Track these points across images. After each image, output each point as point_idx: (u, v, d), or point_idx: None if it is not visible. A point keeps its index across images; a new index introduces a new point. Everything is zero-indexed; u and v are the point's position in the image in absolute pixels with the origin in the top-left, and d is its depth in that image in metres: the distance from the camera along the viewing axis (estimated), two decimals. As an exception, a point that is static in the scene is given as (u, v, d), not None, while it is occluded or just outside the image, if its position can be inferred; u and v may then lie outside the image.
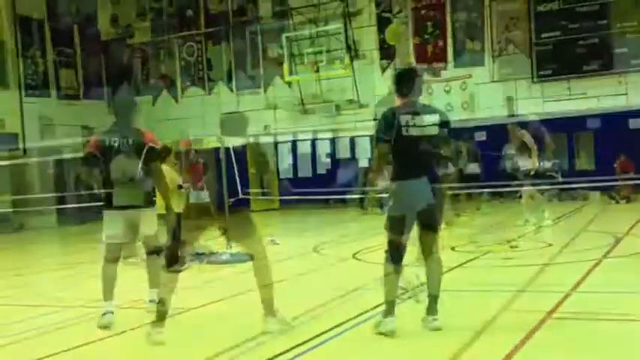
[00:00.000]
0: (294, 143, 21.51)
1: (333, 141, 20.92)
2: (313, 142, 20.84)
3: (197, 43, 22.87)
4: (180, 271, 9.04)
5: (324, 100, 20.49)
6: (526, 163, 11.56)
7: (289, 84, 21.12)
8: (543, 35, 18.30)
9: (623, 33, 17.39)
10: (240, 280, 8.11)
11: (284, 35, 20.63)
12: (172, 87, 23.33)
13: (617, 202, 15.90)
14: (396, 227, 5.01)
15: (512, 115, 18.13)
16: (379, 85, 20.16)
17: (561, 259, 8.63)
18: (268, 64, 21.71)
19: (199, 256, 10.09)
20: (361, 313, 5.78)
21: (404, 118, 5.01)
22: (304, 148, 21.50)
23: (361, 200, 18.20)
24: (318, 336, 4.99)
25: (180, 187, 9.42)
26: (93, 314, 6.35)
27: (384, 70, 20.29)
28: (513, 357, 4.36)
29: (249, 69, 22.00)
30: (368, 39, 20.41)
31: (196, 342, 5.48)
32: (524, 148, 11.69)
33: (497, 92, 18.71)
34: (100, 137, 6.02)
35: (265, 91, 21.79)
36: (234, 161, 12.67)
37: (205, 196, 17.80)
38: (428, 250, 5.06)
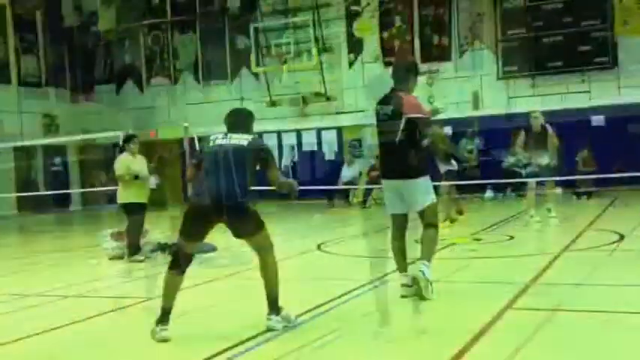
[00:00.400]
0: (260, 135, 21.37)
1: (299, 133, 20.86)
2: (279, 134, 20.76)
3: (163, 31, 22.58)
4: (140, 261, 9.01)
5: (291, 92, 20.41)
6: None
7: (256, 75, 20.99)
8: (509, 32, 18.49)
9: (587, 31, 17.65)
10: (202, 272, 8.05)
11: (252, 26, 20.48)
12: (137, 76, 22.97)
13: (579, 198, 16.16)
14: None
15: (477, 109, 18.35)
16: (347, 78, 20.16)
17: (522, 252, 8.74)
18: (235, 55, 21.53)
19: (162, 246, 10.00)
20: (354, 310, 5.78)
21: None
22: (271, 140, 21.40)
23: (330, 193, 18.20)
24: (320, 338, 4.91)
25: (136, 177, 9.19)
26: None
27: (351, 63, 20.29)
28: (472, 347, 4.39)
29: (216, 59, 21.78)
30: (336, 32, 20.38)
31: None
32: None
33: (463, 88, 18.86)
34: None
35: (232, 81, 21.62)
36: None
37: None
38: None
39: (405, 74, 6.12)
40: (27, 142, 18.24)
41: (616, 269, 7.13)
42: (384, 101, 5.99)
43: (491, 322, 4.95)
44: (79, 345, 5.08)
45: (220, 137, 5.13)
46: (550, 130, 11.02)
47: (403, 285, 5.86)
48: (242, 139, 5.07)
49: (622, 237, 9.10)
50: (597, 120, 17.44)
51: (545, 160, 10.97)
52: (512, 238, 9.91)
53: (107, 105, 22.99)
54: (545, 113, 14.32)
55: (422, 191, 5.83)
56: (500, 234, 10.30)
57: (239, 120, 5.34)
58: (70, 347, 5.04)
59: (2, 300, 6.86)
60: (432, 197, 5.89)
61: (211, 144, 5.12)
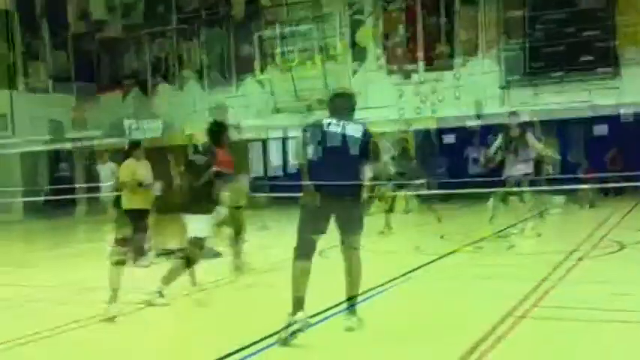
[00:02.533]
0: (264, 142, 21.51)
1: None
2: (283, 141, 20.87)
3: (168, 38, 22.73)
4: (145, 267, 9.09)
5: (295, 99, 20.55)
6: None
7: (261, 82, 21.12)
8: (511, 41, 18.60)
9: (591, 42, 17.74)
10: (205, 276, 8.12)
11: (256, 34, 20.62)
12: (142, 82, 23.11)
13: (582, 207, 16.19)
14: None
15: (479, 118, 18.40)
16: (350, 85, 20.26)
17: (525, 260, 8.79)
18: (240, 62, 21.67)
19: (167, 251, 10.08)
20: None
21: None
22: (275, 147, 21.54)
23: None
24: (328, 338, 4.99)
25: (140, 184, 9.24)
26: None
27: (354, 71, 20.41)
28: (483, 343, 4.46)
29: (221, 66, 21.92)
30: (339, 40, 20.50)
31: (155, 338, 5.49)
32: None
33: (466, 96, 18.95)
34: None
35: (237, 89, 21.75)
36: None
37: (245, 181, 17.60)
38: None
39: None
40: (33, 148, 18.35)
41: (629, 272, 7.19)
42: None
43: (493, 328, 5.02)
44: (82, 351, 5.16)
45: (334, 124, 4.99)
46: (529, 135, 10.57)
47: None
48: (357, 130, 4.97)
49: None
50: (599, 129, 17.51)
51: (521, 170, 10.46)
52: (512, 246, 9.95)
53: (113, 111, 23.12)
54: (547, 123, 14.40)
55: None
56: (501, 242, 10.34)
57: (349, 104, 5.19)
58: (71, 355, 5.12)
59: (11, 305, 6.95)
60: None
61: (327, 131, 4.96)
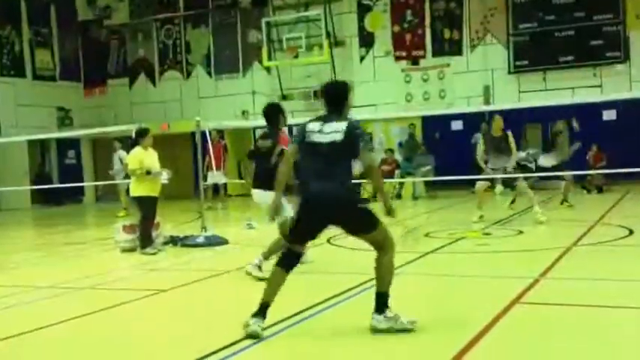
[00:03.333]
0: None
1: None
2: (290, 128, 20.79)
3: (176, 25, 22.67)
4: (152, 254, 9.13)
5: (303, 86, 20.50)
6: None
7: (268, 69, 21.06)
8: (520, 26, 18.43)
9: (599, 25, 17.56)
10: (214, 263, 8.15)
11: (263, 20, 20.53)
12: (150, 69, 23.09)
13: (589, 192, 16.15)
14: None
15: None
16: (357, 72, 20.19)
17: (531, 247, 8.78)
18: (247, 49, 21.61)
19: (174, 238, 10.13)
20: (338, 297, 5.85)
21: None
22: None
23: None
24: (329, 331, 5.00)
25: (148, 172, 9.26)
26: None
27: (362, 57, 20.31)
28: (480, 341, 4.45)
29: (228, 53, 21.86)
30: (347, 26, 20.41)
31: (165, 323, 5.51)
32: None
33: (474, 82, 18.84)
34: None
35: (244, 75, 21.70)
36: (210, 144, 12.74)
37: (220, 178, 17.75)
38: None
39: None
40: (41, 136, 18.38)
41: (624, 264, 7.16)
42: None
43: (498, 316, 5.01)
44: (90, 336, 5.18)
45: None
46: (510, 134, 11.13)
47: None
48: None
49: (631, 232, 9.12)
50: (608, 114, 17.40)
51: (509, 164, 11.09)
52: (521, 232, 9.95)
53: (120, 99, 23.16)
54: (556, 107, 14.45)
55: None
56: (510, 228, 10.34)
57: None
58: (82, 339, 5.13)
59: (16, 292, 6.99)
60: None
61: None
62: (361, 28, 20.24)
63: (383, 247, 4.76)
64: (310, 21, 20.30)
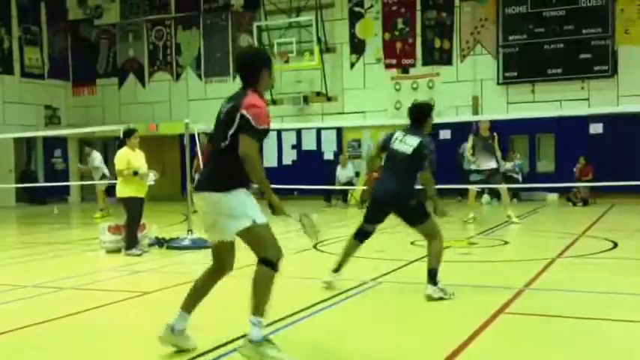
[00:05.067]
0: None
1: (299, 132, 20.92)
2: (279, 132, 20.81)
3: (166, 27, 22.63)
4: (137, 255, 9.08)
5: (292, 91, 20.51)
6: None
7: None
8: (510, 38, 18.54)
9: (587, 39, 17.71)
10: (199, 266, 8.08)
11: (255, 24, 20.54)
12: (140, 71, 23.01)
13: (575, 205, 16.25)
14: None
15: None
16: (348, 78, 20.24)
17: (516, 257, 8.81)
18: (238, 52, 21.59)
19: (160, 240, 10.09)
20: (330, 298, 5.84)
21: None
22: (271, 138, 21.45)
23: (328, 193, 18.36)
24: (316, 336, 4.99)
25: (135, 173, 9.22)
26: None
27: (352, 64, 20.35)
28: (464, 351, 4.45)
29: (219, 56, 21.83)
30: (339, 32, 20.45)
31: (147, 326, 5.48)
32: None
33: (464, 92, 18.92)
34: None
35: (234, 79, 21.68)
36: (198, 147, 12.70)
37: None
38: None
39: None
40: (28, 134, 18.26)
41: (608, 276, 7.21)
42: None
43: (483, 326, 5.02)
44: (70, 337, 5.13)
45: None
46: (497, 136, 12.39)
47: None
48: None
49: (615, 245, 9.18)
50: (595, 128, 17.55)
51: (492, 164, 12.22)
52: (506, 243, 9.99)
53: (109, 99, 23.07)
54: (543, 119, 14.63)
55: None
56: (494, 238, 10.38)
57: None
58: (62, 339, 5.09)
59: None
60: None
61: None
62: (352, 35, 20.29)
63: (432, 235, 6.13)
64: (302, 26, 20.33)
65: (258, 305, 4.17)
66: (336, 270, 6.45)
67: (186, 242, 9.81)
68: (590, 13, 17.66)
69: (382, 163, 6.44)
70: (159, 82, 22.62)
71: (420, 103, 6.87)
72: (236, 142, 4.18)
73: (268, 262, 4.19)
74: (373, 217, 6.42)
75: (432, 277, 6.01)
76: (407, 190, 6.12)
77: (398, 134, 6.26)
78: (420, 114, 6.31)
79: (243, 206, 4.21)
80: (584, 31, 17.72)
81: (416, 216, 6.15)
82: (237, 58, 5.45)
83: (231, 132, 4.24)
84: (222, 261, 4.45)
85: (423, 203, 6.20)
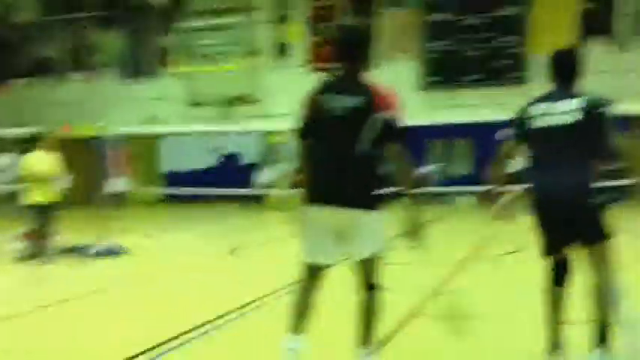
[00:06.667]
0: (182, 136, 21.09)
1: (222, 135, 20.71)
2: (202, 135, 20.55)
3: (85, 26, 21.95)
4: (46, 264, 8.73)
5: (215, 93, 20.29)
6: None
7: (180, 75, 20.73)
8: (432, 44, 18.93)
9: (503, 47, 18.28)
10: (112, 274, 7.88)
11: (177, 25, 20.20)
12: (55, 70, 22.24)
13: (490, 207, 16.70)
14: None
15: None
16: (272, 81, 20.18)
17: (432, 259, 8.94)
18: (159, 53, 21.17)
19: (71, 248, 9.74)
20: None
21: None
22: (193, 141, 21.16)
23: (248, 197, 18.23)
24: (228, 344, 4.87)
25: (43, 179, 8.82)
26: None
27: (277, 67, 20.30)
28: (379, 353, 4.45)
29: (139, 57, 21.35)
30: (264, 35, 20.36)
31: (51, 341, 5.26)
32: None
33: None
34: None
35: (155, 80, 21.25)
36: (115, 150, 12.36)
37: (124, 186, 17.02)
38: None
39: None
40: None
41: (517, 276, 7.40)
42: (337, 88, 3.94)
43: (396, 328, 5.05)
44: None
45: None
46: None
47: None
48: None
49: (524, 246, 9.45)
50: (506, 134, 18.10)
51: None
52: (422, 245, 10.11)
53: (24, 99, 22.18)
54: (462, 124, 14.91)
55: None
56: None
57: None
58: None
59: None
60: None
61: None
62: (278, 38, 20.23)
63: (606, 263, 3.93)
64: (226, 28, 20.13)
65: (372, 335, 3.93)
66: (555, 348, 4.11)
67: (98, 249, 9.50)
68: (506, 22, 18.25)
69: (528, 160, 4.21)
70: (76, 83, 21.89)
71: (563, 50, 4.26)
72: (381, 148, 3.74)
73: (376, 287, 3.94)
74: (555, 239, 4.07)
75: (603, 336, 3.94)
76: (586, 184, 3.89)
77: (533, 109, 4.12)
78: (569, 66, 4.13)
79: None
80: (500, 40, 18.31)
81: (597, 229, 3.91)
82: (352, 34, 4.01)
83: (373, 137, 3.74)
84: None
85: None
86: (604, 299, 3.89)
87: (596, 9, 17.66)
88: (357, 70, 3.89)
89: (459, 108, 18.33)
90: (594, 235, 3.87)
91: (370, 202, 3.77)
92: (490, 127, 17.36)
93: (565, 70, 4.10)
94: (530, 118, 4.09)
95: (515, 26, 18.21)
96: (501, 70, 18.22)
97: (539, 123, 4.02)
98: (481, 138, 18.15)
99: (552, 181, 3.91)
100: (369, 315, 3.91)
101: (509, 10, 18.22)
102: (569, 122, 3.87)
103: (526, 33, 18.10)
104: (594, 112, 3.84)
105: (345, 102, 3.78)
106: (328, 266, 3.95)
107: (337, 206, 3.74)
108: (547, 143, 3.99)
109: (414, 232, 4.12)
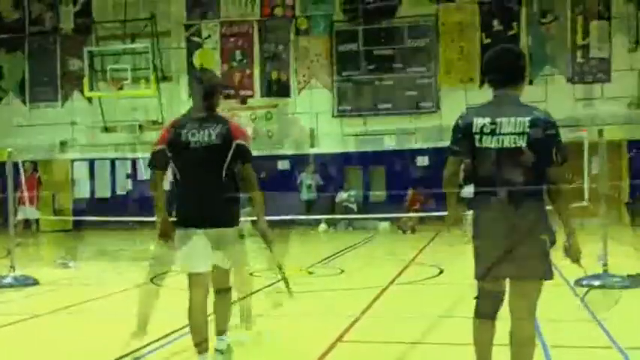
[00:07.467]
0: (92, 162, 20.48)
1: (134, 161, 20.25)
2: (113, 161, 20.02)
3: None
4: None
5: (127, 118, 19.88)
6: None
7: (90, 100, 20.20)
8: (344, 73, 19.36)
9: (414, 77, 18.95)
10: (23, 306, 7.54)
11: (85, 49, 19.72)
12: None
13: (404, 233, 17.10)
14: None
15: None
16: (185, 107, 19.92)
17: (353, 286, 9.08)
18: (68, 78, 20.58)
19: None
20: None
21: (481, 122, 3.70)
22: (103, 167, 20.57)
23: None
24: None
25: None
26: None
27: (190, 94, 20.11)
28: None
29: (46, 81, 20.65)
30: (176, 61, 20.19)
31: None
32: None
33: (301, 124, 19.40)
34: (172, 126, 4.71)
35: (62, 105, 20.60)
36: (22, 176, 11.86)
37: (33, 213, 16.36)
38: None
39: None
40: None
41: (436, 301, 7.63)
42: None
43: (321, 355, 5.09)
44: None
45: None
46: None
47: None
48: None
49: (441, 271, 9.76)
50: (422, 160, 18.69)
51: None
52: (343, 271, 10.27)
53: None
54: (375, 151, 15.25)
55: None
56: (332, 267, 10.63)
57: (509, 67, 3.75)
58: None
59: None
60: None
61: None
62: (190, 65, 20.10)
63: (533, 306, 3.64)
64: (137, 53, 19.82)
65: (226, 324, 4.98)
66: None
67: (8, 280, 9.06)
68: (416, 54, 18.94)
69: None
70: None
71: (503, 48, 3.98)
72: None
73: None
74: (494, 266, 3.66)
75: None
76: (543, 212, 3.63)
77: (478, 120, 3.70)
78: (511, 67, 3.79)
79: None
80: (409, 70, 18.97)
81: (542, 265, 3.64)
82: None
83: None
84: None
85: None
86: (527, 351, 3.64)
87: (495, 45, 18.66)
88: (213, 108, 4.72)
89: (374, 136, 18.80)
90: (536, 271, 3.55)
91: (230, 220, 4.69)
92: (403, 155, 18.00)
93: (506, 73, 3.72)
94: (476, 133, 3.68)
95: (424, 57, 18.93)
96: (413, 99, 18.87)
97: (488, 142, 3.63)
98: (395, 165, 18.66)
99: (504, 207, 3.56)
100: (224, 311, 4.96)
101: (417, 42, 18.93)
102: (519, 145, 3.52)
103: (435, 65, 18.85)
104: (544, 135, 3.51)
105: (205, 133, 4.54)
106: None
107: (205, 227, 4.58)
108: (495, 166, 3.60)
109: (267, 242, 4.87)
